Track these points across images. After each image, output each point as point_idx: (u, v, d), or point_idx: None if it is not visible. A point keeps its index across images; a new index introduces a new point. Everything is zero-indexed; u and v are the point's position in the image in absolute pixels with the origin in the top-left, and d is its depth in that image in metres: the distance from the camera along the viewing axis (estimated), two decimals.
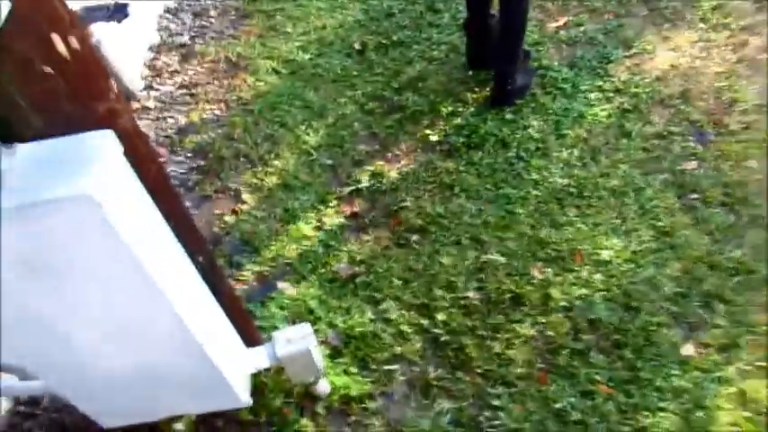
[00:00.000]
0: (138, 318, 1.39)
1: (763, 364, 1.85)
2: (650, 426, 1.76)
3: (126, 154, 1.27)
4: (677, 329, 1.95)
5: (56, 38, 1.16)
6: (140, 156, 1.42)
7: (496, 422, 1.83)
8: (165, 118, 2.95)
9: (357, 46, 3.11)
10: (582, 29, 2.98)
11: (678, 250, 2.14)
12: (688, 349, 1.90)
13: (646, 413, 1.79)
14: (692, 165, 2.40)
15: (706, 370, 1.85)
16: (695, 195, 2.31)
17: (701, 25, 2.91)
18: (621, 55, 2.83)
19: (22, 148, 1.17)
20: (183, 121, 2.95)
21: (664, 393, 1.82)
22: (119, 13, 1.93)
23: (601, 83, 2.74)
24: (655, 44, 2.86)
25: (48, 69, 1.17)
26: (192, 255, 1.58)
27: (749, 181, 2.32)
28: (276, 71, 3.10)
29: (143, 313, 1.38)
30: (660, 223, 2.23)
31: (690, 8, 2.98)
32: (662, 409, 1.79)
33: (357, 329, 2.04)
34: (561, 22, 3.03)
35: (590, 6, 3.07)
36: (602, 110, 2.63)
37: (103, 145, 1.21)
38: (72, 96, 1.24)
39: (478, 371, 1.93)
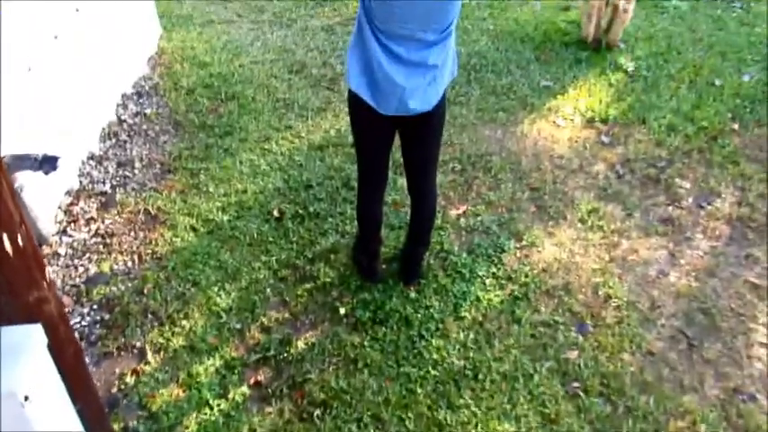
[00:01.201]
0: None
1: None
2: None
3: (48, 345, 1.32)
4: None
5: (4, 236, 1.24)
6: (60, 339, 1.47)
7: None
8: (75, 266, 2.93)
9: (275, 213, 3.29)
10: (479, 218, 3.32)
11: None
12: None
13: None
14: (574, 354, 2.65)
15: None
16: (577, 384, 2.53)
17: (580, 225, 3.32)
18: (513, 246, 3.16)
19: None
20: (93, 270, 2.94)
21: None
22: (47, 164, 2.00)
23: (495, 270, 3.03)
24: (541, 238, 3.22)
25: None
26: None
27: (623, 373, 2.58)
28: (194, 228, 3.20)
29: None
30: (546, 410, 2.42)
31: (570, 209, 3.41)
32: None
33: None
34: (461, 210, 3.38)
35: (486, 199, 3.45)
36: (496, 295, 2.89)
37: (30, 340, 1.26)
38: (7, 288, 1.29)
39: None
